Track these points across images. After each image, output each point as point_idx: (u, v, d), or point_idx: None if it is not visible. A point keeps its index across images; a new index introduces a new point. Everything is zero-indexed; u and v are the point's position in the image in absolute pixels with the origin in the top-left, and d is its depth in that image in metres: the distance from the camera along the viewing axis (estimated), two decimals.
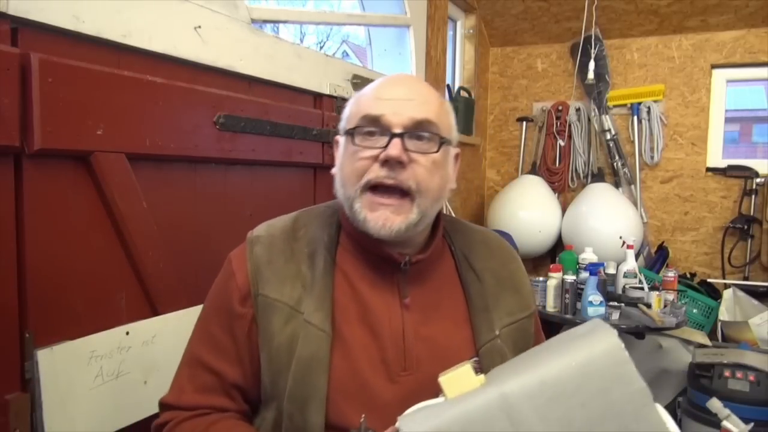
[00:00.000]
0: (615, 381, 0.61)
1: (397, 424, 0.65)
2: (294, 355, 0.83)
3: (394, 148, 0.80)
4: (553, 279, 2.47)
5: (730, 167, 3.24)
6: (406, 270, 0.88)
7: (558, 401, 0.60)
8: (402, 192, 0.83)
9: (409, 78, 0.94)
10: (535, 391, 0.61)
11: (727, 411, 0.77)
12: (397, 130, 0.82)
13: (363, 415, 0.70)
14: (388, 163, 0.81)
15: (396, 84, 0.89)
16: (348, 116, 0.90)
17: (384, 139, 0.82)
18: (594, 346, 0.64)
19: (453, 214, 3.14)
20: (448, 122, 0.90)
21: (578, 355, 0.63)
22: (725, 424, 0.74)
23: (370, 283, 0.89)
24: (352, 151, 0.85)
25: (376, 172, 0.82)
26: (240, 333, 0.87)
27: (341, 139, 0.91)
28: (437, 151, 0.84)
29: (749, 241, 3.17)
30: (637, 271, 2.56)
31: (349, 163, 0.85)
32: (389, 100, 0.84)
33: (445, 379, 0.67)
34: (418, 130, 0.83)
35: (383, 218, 0.82)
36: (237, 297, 0.88)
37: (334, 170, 0.92)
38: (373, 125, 0.84)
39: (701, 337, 2.69)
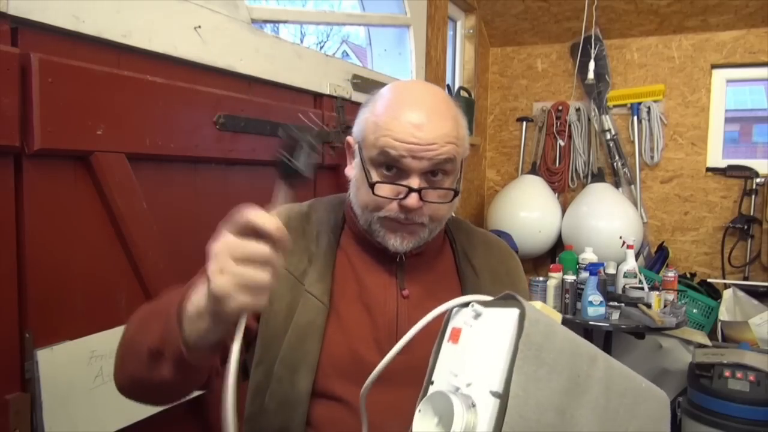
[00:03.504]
0: (659, 421, 0.64)
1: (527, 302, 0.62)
2: (291, 321, 0.87)
3: (412, 200, 0.85)
4: (553, 279, 2.47)
5: (730, 167, 3.24)
6: (404, 262, 0.94)
7: (623, 396, 0.61)
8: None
9: (428, 97, 0.89)
10: (618, 372, 0.62)
11: None
12: (415, 184, 0.85)
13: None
14: (405, 208, 0.86)
15: (416, 108, 0.86)
16: (364, 131, 0.89)
17: (402, 181, 0.86)
18: (656, 387, 0.67)
19: (453, 214, 3.14)
20: (464, 137, 0.91)
21: (645, 380, 0.66)
22: None
23: (370, 267, 0.94)
24: (371, 179, 0.87)
25: (395, 212, 0.87)
26: None
27: (355, 147, 0.92)
28: (451, 201, 0.89)
29: (749, 241, 3.17)
30: (637, 271, 2.56)
31: (367, 191, 0.88)
32: (410, 144, 0.84)
33: (542, 306, 0.67)
34: (437, 168, 0.86)
35: (401, 238, 0.89)
36: None
37: (348, 173, 0.95)
38: (392, 164, 0.86)
39: (701, 337, 2.69)
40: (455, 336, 0.61)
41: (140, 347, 0.75)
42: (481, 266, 0.99)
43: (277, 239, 0.62)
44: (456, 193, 0.89)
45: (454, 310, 0.64)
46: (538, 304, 0.67)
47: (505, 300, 0.60)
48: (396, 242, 0.89)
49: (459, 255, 1.00)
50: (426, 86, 0.94)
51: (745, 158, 3.33)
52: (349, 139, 0.95)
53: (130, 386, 0.81)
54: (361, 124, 0.91)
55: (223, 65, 1.46)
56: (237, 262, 0.61)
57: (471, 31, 3.52)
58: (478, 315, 0.61)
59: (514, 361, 0.52)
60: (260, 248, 0.61)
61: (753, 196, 3.16)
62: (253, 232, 0.62)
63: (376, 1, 2.54)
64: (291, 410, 0.86)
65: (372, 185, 0.86)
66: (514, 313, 0.56)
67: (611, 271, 2.56)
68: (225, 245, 0.62)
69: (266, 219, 0.62)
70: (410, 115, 0.85)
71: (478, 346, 0.58)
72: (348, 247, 0.95)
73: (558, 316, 0.69)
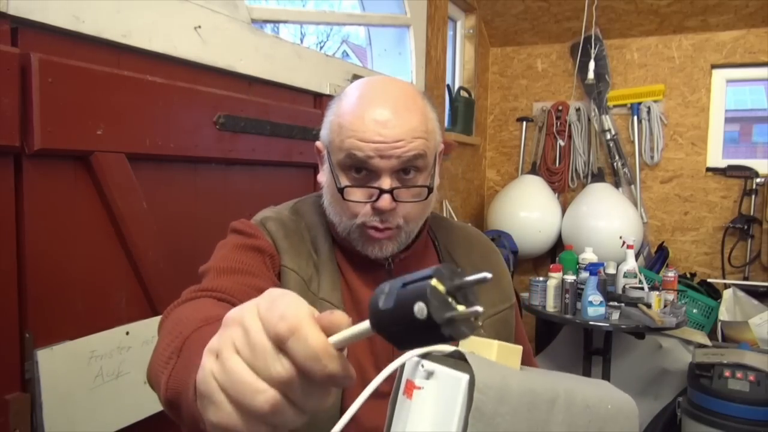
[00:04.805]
0: None
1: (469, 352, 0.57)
2: None
3: (384, 202, 0.82)
4: (553, 279, 2.47)
5: (730, 167, 3.24)
6: (392, 268, 0.91)
7: (587, 428, 0.60)
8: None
9: (392, 92, 0.85)
10: (579, 408, 0.61)
11: None
12: (386, 184, 0.82)
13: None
14: (378, 210, 0.83)
15: (380, 105, 0.82)
16: (330, 134, 0.86)
17: (373, 183, 0.83)
18: (623, 399, 0.66)
19: (453, 214, 3.14)
20: (434, 131, 0.88)
21: (611, 399, 0.65)
22: None
23: (359, 276, 0.91)
24: (340, 185, 0.84)
25: (369, 218, 0.84)
26: (269, 272, 0.85)
27: (324, 151, 0.89)
28: (426, 198, 0.86)
29: (749, 241, 3.17)
30: (637, 271, 2.56)
31: (338, 198, 0.85)
32: (376, 143, 0.81)
33: (499, 346, 0.65)
34: (408, 165, 0.83)
35: (378, 245, 0.87)
36: (265, 250, 0.86)
37: (320, 179, 0.92)
38: (360, 166, 0.83)
39: (701, 337, 2.69)
40: (409, 390, 0.58)
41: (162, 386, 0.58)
42: (464, 263, 0.98)
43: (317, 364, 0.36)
44: (430, 191, 0.86)
45: (407, 361, 0.61)
46: (494, 346, 0.64)
47: (456, 360, 0.57)
48: (375, 250, 0.86)
49: (442, 253, 0.98)
50: (391, 81, 0.90)
51: (745, 158, 3.33)
52: (317, 144, 0.91)
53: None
54: (327, 127, 0.88)
55: (223, 65, 1.46)
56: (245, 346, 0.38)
57: (471, 31, 3.52)
58: (429, 374, 0.57)
59: None
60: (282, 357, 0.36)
61: (753, 196, 3.16)
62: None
63: (376, 1, 2.54)
64: None
65: (341, 190, 0.83)
66: (463, 379, 0.53)
67: (611, 271, 2.56)
68: (261, 308, 0.38)
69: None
70: (374, 112, 0.81)
71: (430, 411, 0.56)
72: (338, 256, 0.92)
73: (518, 351, 0.66)
